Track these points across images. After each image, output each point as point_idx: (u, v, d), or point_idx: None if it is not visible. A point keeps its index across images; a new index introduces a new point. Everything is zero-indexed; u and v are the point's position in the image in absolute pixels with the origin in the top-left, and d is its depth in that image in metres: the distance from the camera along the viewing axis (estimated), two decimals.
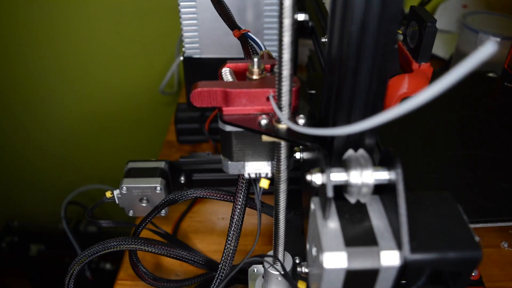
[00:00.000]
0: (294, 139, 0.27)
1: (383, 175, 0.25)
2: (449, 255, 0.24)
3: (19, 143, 1.16)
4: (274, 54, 0.27)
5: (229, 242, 0.37)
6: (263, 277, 0.41)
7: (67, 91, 1.06)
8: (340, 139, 0.27)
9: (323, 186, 0.25)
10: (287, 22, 0.22)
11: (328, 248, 0.24)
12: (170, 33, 0.92)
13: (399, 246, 0.24)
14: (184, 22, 0.60)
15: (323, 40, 0.46)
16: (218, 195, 0.40)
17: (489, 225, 0.40)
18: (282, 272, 0.35)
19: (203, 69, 0.64)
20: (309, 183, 0.26)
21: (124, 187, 0.50)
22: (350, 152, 0.26)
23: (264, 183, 0.33)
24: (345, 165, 0.26)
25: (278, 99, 0.26)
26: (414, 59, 0.27)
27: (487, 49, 0.16)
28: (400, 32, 0.28)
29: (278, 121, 0.28)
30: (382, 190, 0.27)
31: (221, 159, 0.33)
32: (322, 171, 0.25)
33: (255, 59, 0.29)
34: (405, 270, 0.24)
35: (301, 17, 0.54)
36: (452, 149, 0.48)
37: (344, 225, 0.26)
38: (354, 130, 0.21)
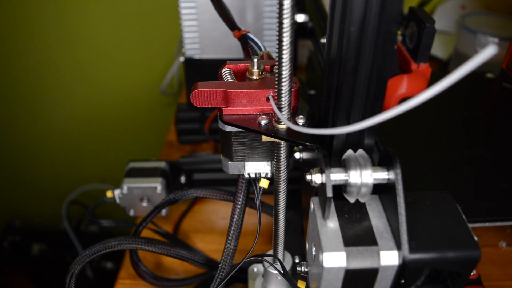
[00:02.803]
0: (294, 139, 0.28)
1: (382, 175, 0.25)
2: (448, 254, 0.24)
3: (21, 143, 1.16)
4: (274, 55, 0.27)
5: (229, 241, 0.37)
6: (263, 276, 0.41)
7: (68, 92, 1.06)
8: (340, 139, 0.27)
9: (322, 186, 0.25)
10: (286, 23, 0.22)
11: (328, 248, 0.24)
12: (170, 34, 0.93)
13: (398, 246, 0.24)
14: (184, 23, 0.60)
15: (322, 40, 0.46)
16: (218, 195, 0.40)
17: (488, 224, 0.40)
18: (282, 272, 0.35)
19: (204, 70, 0.64)
20: (309, 183, 0.26)
21: (125, 187, 0.51)
22: (349, 152, 0.26)
23: (264, 183, 0.33)
24: (344, 165, 0.26)
25: (277, 99, 0.26)
26: (413, 60, 0.27)
27: (487, 52, 0.16)
28: (399, 33, 0.28)
29: (278, 121, 0.28)
30: (381, 190, 0.27)
31: (221, 159, 0.33)
32: (321, 171, 0.26)
33: (255, 60, 0.29)
34: (404, 269, 0.24)
35: (300, 18, 0.55)
36: (450, 149, 0.48)
37: (344, 225, 0.26)
38: (353, 129, 0.21)
